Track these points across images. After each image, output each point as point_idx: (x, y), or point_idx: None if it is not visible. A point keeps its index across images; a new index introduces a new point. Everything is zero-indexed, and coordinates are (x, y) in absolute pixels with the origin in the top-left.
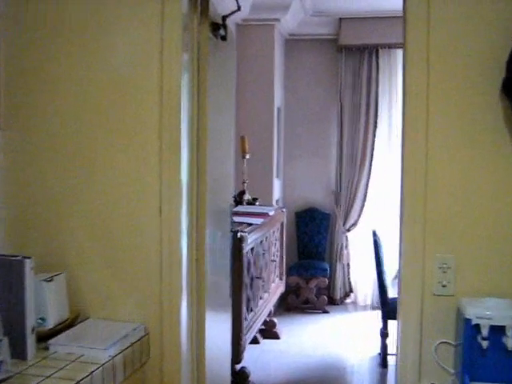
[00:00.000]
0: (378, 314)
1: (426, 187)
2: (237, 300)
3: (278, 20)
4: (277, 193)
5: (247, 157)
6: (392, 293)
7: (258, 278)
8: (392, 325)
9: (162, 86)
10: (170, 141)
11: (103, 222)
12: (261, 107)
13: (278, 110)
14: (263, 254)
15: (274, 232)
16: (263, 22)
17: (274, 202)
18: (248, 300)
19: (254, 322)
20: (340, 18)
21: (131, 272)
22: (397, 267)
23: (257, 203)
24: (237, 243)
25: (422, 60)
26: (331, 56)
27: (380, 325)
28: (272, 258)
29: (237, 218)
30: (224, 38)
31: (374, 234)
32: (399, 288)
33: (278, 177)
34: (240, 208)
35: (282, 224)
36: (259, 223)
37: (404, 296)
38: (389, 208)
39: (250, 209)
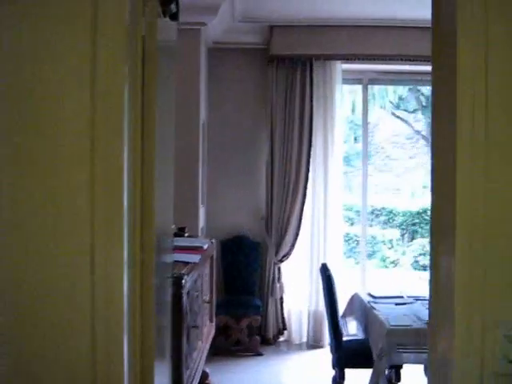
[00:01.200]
0: (317, 354)
1: (486, 230)
2: (176, 363)
3: (204, 24)
4: (202, 220)
5: None
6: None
7: (194, 327)
8: (350, 373)
9: (93, 89)
10: (106, 173)
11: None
12: (185, 124)
13: (203, 127)
14: (197, 296)
15: (205, 268)
16: (188, 25)
17: (199, 231)
18: (185, 357)
19: (192, 381)
20: (270, 26)
21: (45, 362)
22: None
23: (185, 234)
24: (176, 290)
25: (478, 79)
26: (261, 68)
27: (329, 371)
28: (204, 298)
29: None
30: (175, 17)
31: (326, 268)
32: (452, 365)
33: (202, 202)
34: None
35: (212, 258)
36: (197, 261)
37: (457, 377)
38: (328, 236)
39: (182, 242)
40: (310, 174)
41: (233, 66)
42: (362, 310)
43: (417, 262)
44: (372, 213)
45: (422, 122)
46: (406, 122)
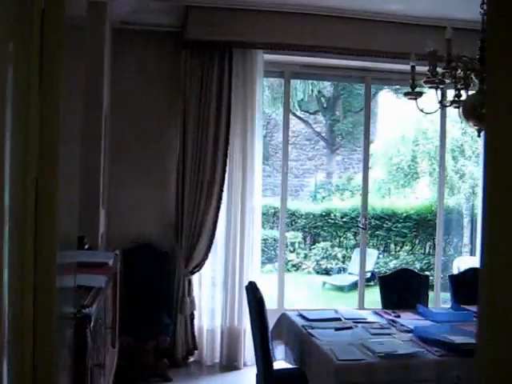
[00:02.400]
0: (232, 376)
1: None
2: None
3: None
4: (102, 226)
5: None
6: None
7: (97, 365)
8: None
9: None
10: None
11: None
12: (85, 115)
13: (105, 118)
14: (100, 325)
15: (109, 288)
16: None
17: (99, 240)
18: None
19: None
20: (186, 6)
21: None
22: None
23: (86, 245)
24: (80, 332)
25: None
26: (174, 53)
27: None
28: (108, 324)
29: None
30: None
31: (255, 287)
32: None
33: (103, 205)
34: None
35: (115, 274)
36: (103, 285)
37: None
38: (246, 244)
39: (82, 256)
40: (227, 175)
41: (142, 50)
42: (294, 334)
43: (319, 265)
44: (274, 214)
45: (322, 124)
46: (306, 122)
